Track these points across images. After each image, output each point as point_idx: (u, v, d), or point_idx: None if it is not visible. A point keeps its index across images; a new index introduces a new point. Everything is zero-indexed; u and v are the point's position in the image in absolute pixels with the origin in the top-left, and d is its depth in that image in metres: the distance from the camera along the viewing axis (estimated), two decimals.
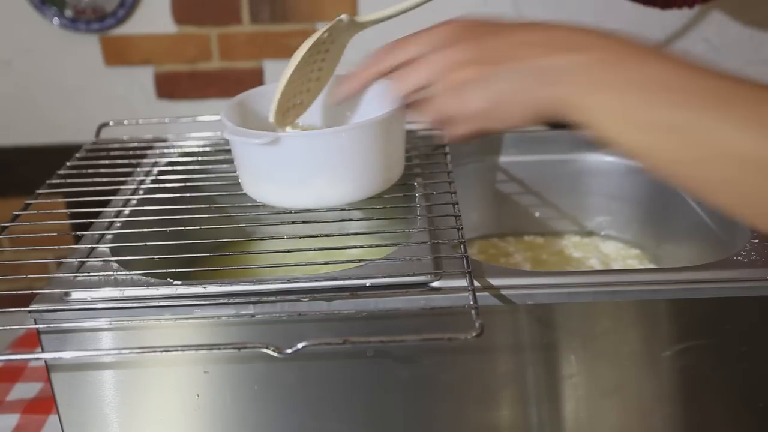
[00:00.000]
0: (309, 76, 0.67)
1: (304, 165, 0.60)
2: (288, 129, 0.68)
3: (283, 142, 0.59)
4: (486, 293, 0.56)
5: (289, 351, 0.49)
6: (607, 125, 0.47)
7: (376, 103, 0.66)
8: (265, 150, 0.60)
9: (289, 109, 0.67)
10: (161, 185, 0.73)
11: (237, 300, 0.55)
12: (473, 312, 0.50)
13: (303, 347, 0.49)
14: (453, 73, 0.49)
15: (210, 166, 0.75)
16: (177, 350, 0.52)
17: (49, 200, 0.70)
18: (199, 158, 0.77)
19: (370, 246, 0.60)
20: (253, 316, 0.55)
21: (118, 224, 0.66)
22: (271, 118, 0.65)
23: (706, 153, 0.44)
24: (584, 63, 0.48)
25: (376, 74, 0.53)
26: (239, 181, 0.66)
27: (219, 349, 0.53)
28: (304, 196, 0.63)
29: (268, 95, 0.70)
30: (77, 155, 0.78)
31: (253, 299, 0.55)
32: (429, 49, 0.50)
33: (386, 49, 0.52)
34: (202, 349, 0.55)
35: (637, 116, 0.46)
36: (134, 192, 0.72)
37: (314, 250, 0.60)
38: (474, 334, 0.48)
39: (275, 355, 0.49)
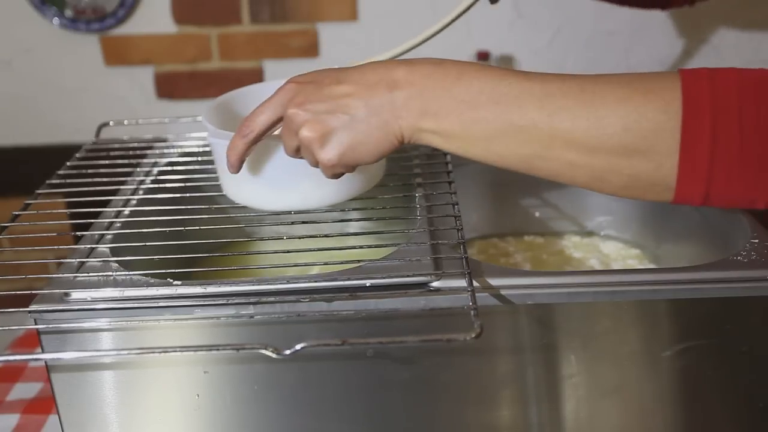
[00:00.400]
0: None
1: (288, 167, 0.60)
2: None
3: (267, 144, 0.59)
4: (486, 293, 0.56)
5: (287, 352, 0.49)
6: (451, 145, 0.52)
7: None
8: (252, 152, 0.60)
9: None
10: (161, 185, 0.73)
11: (237, 300, 0.55)
12: (472, 313, 0.50)
13: (302, 348, 0.49)
14: (300, 134, 0.53)
15: (210, 166, 0.75)
16: (176, 351, 0.51)
17: (49, 200, 0.70)
18: (199, 158, 0.77)
19: (369, 246, 0.60)
20: (251, 317, 0.55)
21: (118, 224, 0.66)
22: None
23: (545, 146, 0.49)
24: (412, 95, 0.51)
25: (248, 144, 0.57)
26: (219, 183, 0.66)
27: (218, 350, 0.53)
28: (288, 197, 0.63)
29: (251, 96, 0.71)
30: (77, 155, 0.78)
31: (253, 300, 0.55)
32: (279, 112, 0.55)
33: (246, 122, 0.56)
34: (201, 350, 0.55)
35: (474, 132, 0.50)
36: (134, 192, 0.72)
37: (314, 250, 0.60)
38: (473, 335, 0.48)
39: (274, 356, 0.49)
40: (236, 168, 0.58)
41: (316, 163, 0.55)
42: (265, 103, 0.55)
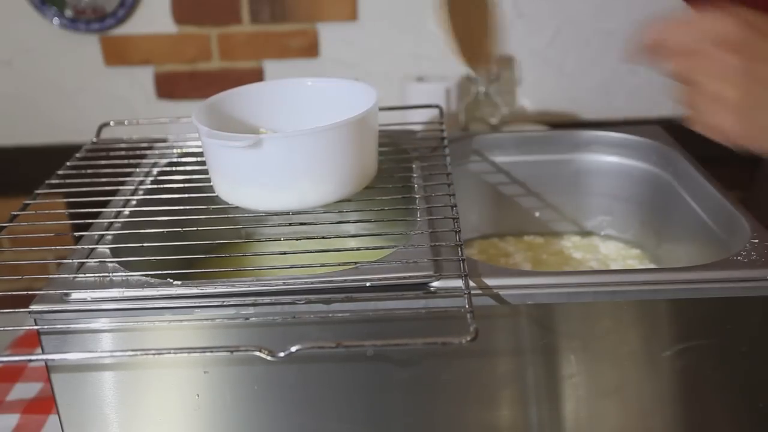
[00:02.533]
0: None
1: (286, 166, 0.60)
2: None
3: (264, 144, 0.59)
4: (485, 294, 0.56)
5: (281, 354, 0.49)
6: None
7: (337, 104, 0.68)
8: (246, 153, 0.60)
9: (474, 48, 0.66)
10: (161, 186, 0.73)
11: (236, 301, 0.55)
12: (468, 316, 0.50)
13: (296, 351, 0.49)
14: (711, 84, 0.45)
15: None
16: (170, 353, 0.51)
17: (48, 200, 0.70)
18: (199, 158, 0.77)
19: (367, 248, 0.60)
20: (247, 318, 0.55)
21: (118, 225, 0.66)
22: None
23: None
24: None
25: (656, 54, 0.48)
26: (211, 183, 0.66)
27: (212, 352, 0.53)
28: (284, 198, 0.63)
29: (242, 97, 0.71)
30: (77, 155, 0.78)
31: (252, 301, 0.55)
32: (702, 44, 0.46)
33: (667, 27, 0.47)
34: (195, 352, 0.55)
35: None
36: (134, 192, 0.72)
37: (314, 251, 0.60)
38: (468, 338, 0.48)
39: (268, 358, 0.49)
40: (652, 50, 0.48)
41: (695, 115, 0.47)
42: (690, 26, 0.46)
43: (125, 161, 0.77)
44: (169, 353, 0.51)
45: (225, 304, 0.55)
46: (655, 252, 0.84)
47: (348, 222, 0.66)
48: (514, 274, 0.60)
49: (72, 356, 0.55)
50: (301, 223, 0.64)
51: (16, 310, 0.54)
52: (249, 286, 0.55)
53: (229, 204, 0.66)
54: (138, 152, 0.80)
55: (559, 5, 1.22)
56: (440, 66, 1.22)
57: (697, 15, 0.46)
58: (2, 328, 0.55)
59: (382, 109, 0.72)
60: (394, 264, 0.57)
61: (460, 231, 0.60)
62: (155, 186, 0.73)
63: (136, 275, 0.58)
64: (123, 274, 0.58)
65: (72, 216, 0.67)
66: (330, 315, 0.55)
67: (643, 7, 1.07)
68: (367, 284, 0.55)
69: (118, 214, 0.68)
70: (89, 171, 0.74)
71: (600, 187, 0.88)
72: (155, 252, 0.63)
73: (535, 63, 1.26)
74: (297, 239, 0.62)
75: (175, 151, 0.80)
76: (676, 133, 0.85)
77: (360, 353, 0.57)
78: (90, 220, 0.66)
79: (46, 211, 0.68)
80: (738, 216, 0.65)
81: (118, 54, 1.24)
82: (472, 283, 0.55)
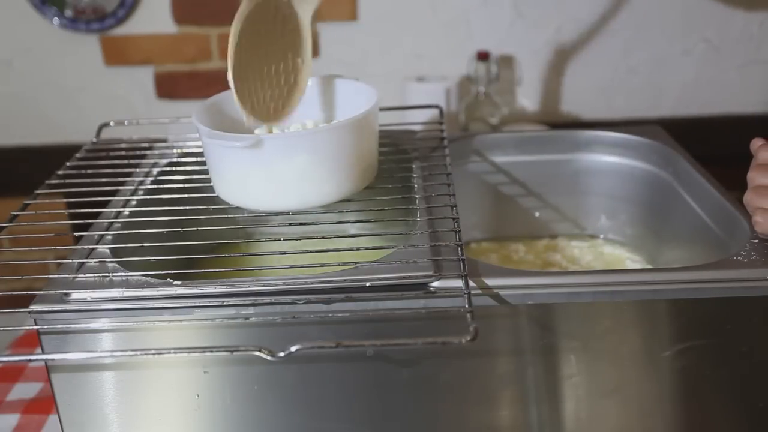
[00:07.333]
0: (274, 64, 0.67)
1: (286, 166, 0.60)
2: (268, 129, 0.68)
3: (264, 144, 0.59)
4: (485, 294, 0.56)
5: (281, 354, 0.49)
6: None
7: (337, 104, 0.69)
8: (246, 153, 0.60)
9: (263, 103, 0.67)
10: (161, 186, 0.73)
11: (236, 301, 0.55)
12: (468, 316, 0.50)
13: (296, 351, 0.49)
14: None
15: None
16: (170, 353, 0.51)
17: (48, 200, 0.70)
18: (199, 158, 0.77)
19: (366, 249, 0.60)
20: (246, 318, 0.55)
21: (118, 225, 0.66)
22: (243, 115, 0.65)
23: None
24: None
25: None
26: (211, 184, 0.66)
27: (212, 352, 0.53)
28: (284, 198, 0.62)
29: None
30: (77, 155, 0.78)
31: (251, 300, 0.55)
32: None
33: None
34: (195, 352, 0.55)
35: None
36: (134, 192, 0.72)
37: (314, 251, 0.60)
38: (468, 338, 0.48)
39: (268, 358, 0.49)
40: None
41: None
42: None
43: (125, 161, 0.77)
44: (169, 353, 0.51)
45: (225, 304, 0.55)
46: (654, 252, 0.84)
47: (348, 222, 0.66)
48: (514, 274, 0.60)
49: (72, 356, 0.55)
50: (301, 223, 0.64)
51: (16, 310, 0.54)
52: (249, 286, 0.55)
53: (229, 204, 0.66)
54: (138, 152, 0.80)
55: (559, 5, 1.22)
56: (440, 66, 1.22)
57: None
58: (2, 328, 0.55)
59: (382, 109, 0.72)
60: (394, 264, 0.57)
61: (459, 231, 0.60)
62: (155, 186, 0.73)
63: (136, 275, 0.58)
64: (123, 274, 0.58)
65: (72, 216, 0.67)
66: (330, 315, 0.55)
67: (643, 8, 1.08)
68: (367, 284, 0.55)
69: (118, 214, 0.68)
70: (89, 171, 0.74)
71: (600, 187, 0.88)
72: (155, 252, 0.63)
73: (535, 63, 1.26)
74: (297, 239, 0.62)
75: (175, 151, 0.80)
76: (676, 133, 0.85)
77: (360, 353, 0.57)
78: (90, 220, 0.66)
79: (46, 211, 0.68)
80: (738, 216, 0.65)
81: (118, 54, 1.24)
82: (472, 283, 0.55)
